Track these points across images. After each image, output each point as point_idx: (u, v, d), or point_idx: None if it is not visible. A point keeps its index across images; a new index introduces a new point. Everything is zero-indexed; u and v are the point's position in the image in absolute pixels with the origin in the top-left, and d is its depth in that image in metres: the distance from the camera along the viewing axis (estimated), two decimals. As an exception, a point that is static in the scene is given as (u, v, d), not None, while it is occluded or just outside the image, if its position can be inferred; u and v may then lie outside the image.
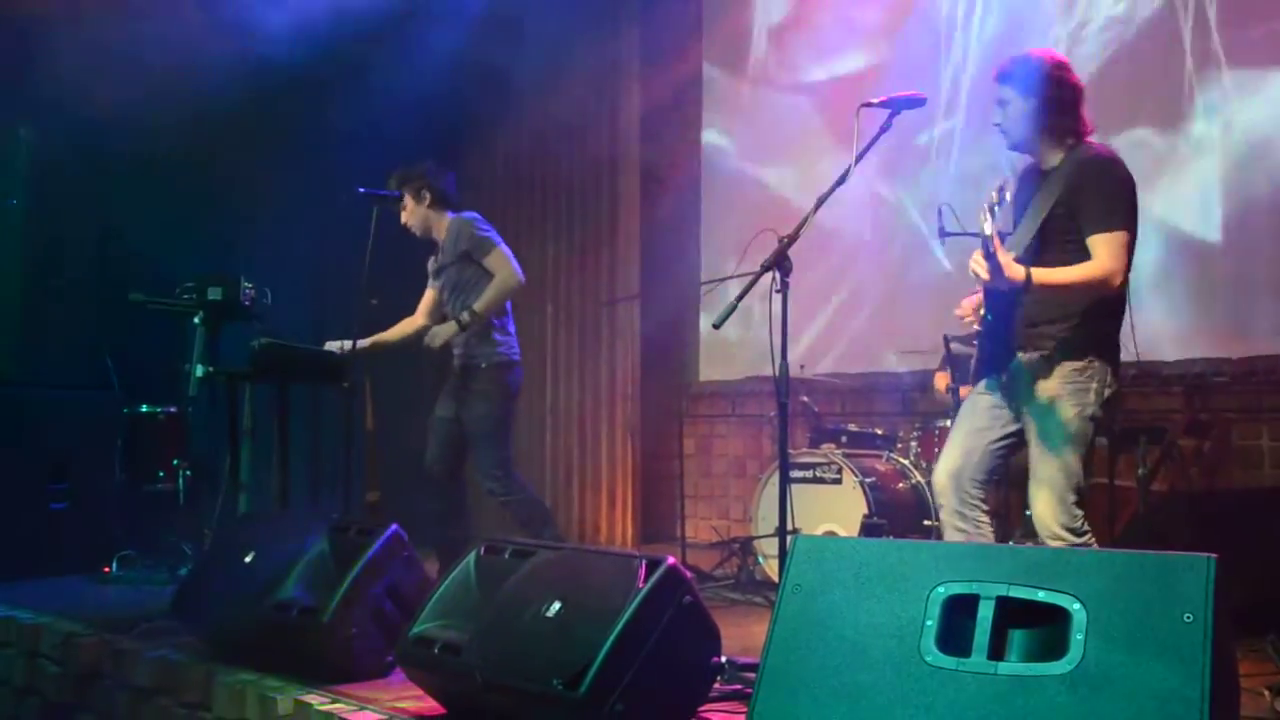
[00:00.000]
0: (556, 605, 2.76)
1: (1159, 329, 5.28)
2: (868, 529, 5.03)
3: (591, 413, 7.63)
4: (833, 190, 3.41)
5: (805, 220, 3.36)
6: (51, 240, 6.26)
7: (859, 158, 3.38)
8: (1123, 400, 5.03)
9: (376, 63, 6.64)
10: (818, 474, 5.38)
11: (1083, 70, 3.73)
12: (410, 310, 5.25)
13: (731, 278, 3.88)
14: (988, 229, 3.05)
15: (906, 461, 5.46)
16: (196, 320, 5.06)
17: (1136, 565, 2.04)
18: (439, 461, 4.92)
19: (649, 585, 2.65)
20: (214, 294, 5.12)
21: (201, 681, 3.54)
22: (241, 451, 5.01)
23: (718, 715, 2.91)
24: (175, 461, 5.80)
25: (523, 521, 4.86)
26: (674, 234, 7.58)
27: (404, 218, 5.04)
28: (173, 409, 5.90)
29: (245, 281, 5.20)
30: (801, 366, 5.66)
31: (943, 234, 4.03)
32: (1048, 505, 3.25)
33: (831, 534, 5.10)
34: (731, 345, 7.18)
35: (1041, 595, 2.07)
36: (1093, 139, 3.40)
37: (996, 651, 2.06)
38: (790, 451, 5.03)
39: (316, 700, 3.17)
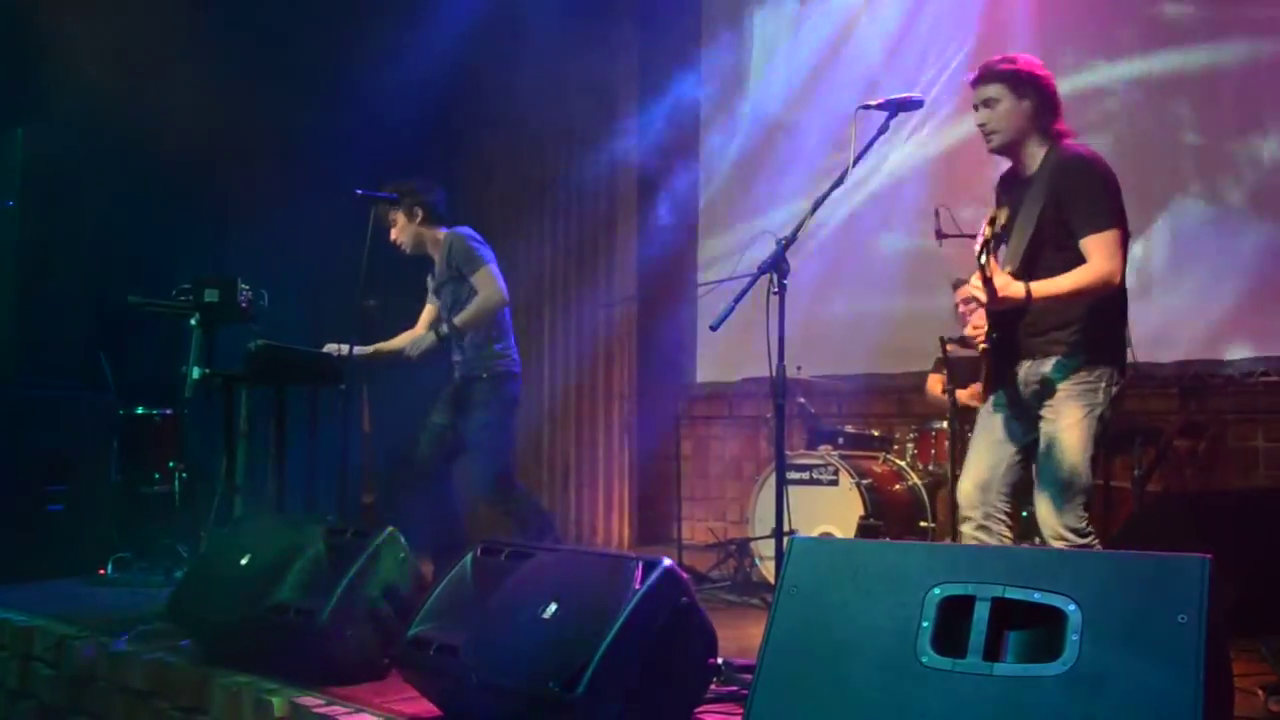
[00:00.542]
0: (553, 607, 2.76)
1: (1155, 331, 5.28)
2: (864, 530, 5.03)
3: (589, 414, 7.64)
4: (830, 192, 3.41)
5: (802, 222, 3.36)
6: (47, 242, 6.25)
7: (856, 160, 3.38)
8: (1119, 402, 5.04)
9: (375, 66, 6.63)
10: (814, 475, 5.38)
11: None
12: (407, 311, 5.24)
13: (729, 279, 3.87)
14: (983, 258, 3.05)
15: (903, 463, 5.46)
16: (193, 322, 5.04)
17: (1131, 566, 2.04)
18: (426, 462, 4.92)
19: (645, 587, 2.65)
20: (210, 296, 5.11)
21: (197, 684, 3.53)
22: (237, 454, 5.00)
23: (714, 717, 2.91)
24: (171, 464, 5.80)
25: (521, 529, 4.85)
26: (671, 236, 7.58)
27: (394, 234, 5.00)
28: (169, 411, 5.90)
29: (242, 284, 5.19)
30: (799, 368, 5.65)
31: (939, 235, 4.05)
32: (1052, 507, 3.24)
33: (828, 535, 5.10)
34: (728, 347, 7.17)
35: (1037, 596, 2.07)
36: (1068, 141, 3.40)
37: (992, 653, 2.06)
38: (787, 453, 5.01)
39: (313, 702, 3.16)
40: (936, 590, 2.17)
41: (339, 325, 5.02)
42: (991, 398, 3.47)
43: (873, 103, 3.45)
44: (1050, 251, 3.28)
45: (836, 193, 3.41)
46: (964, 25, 6.32)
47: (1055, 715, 1.94)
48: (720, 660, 2.87)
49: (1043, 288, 3.18)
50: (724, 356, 7.29)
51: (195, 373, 4.88)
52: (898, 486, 5.36)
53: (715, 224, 7.53)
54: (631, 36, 7.52)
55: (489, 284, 4.85)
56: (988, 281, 3.09)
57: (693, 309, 7.51)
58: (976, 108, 3.42)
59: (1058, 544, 3.22)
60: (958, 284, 5.27)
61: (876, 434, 5.79)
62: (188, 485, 5.70)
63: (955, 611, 2.13)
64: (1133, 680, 1.91)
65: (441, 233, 5.00)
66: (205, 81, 6.19)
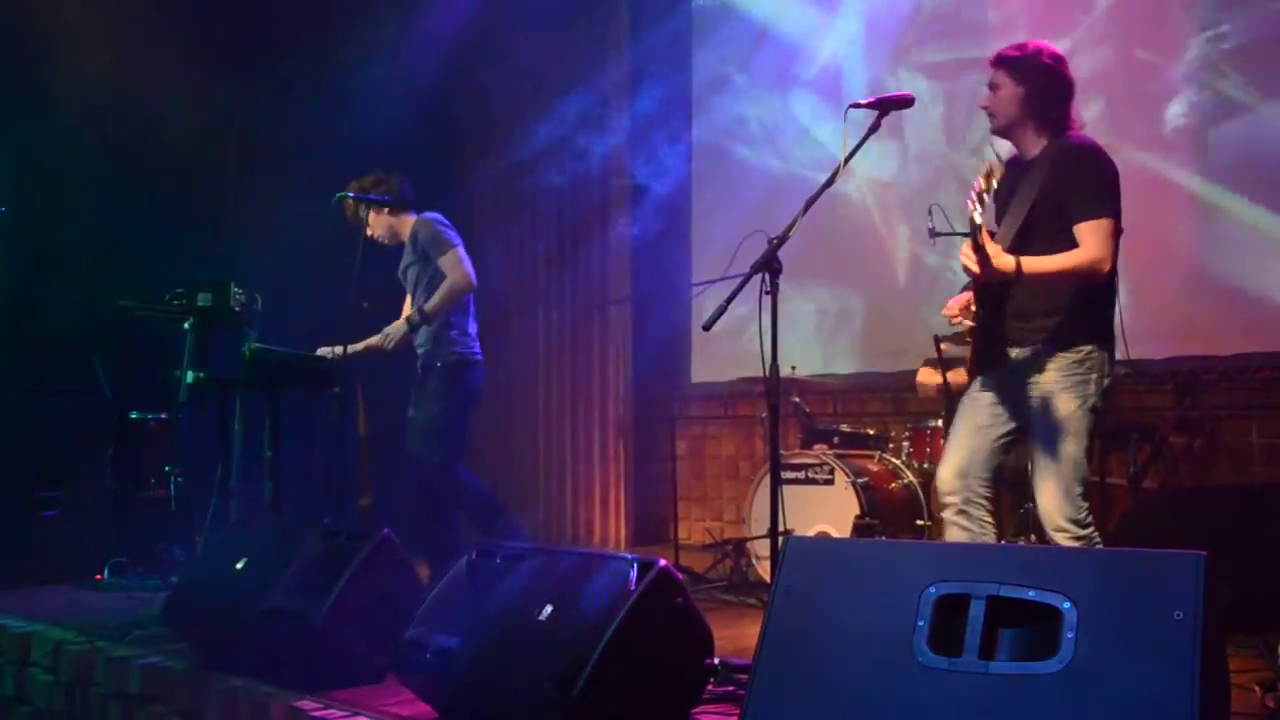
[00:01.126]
0: (549, 609, 2.76)
1: (1149, 327, 5.29)
2: (860, 529, 5.03)
3: (584, 415, 7.63)
4: (821, 191, 3.41)
5: (794, 221, 3.36)
6: (40, 247, 6.24)
7: (847, 158, 3.38)
8: (1113, 398, 5.05)
9: (367, 68, 6.63)
10: (810, 475, 5.38)
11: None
12: (401, 312, 5.24)
13: (722, 279, 3.87)
14: (977, 217, 3.06)
15: (899, 461, 5.46)
16: (186, 326, 5.04)
17: (1127, 563, 2.04)
18: (417, 458, 4.92)
19: (641, 588, 2.65)
20: (204, 300, 5.10)
21: (194, 689, 3.53)
22: (232, 457, 5.00)
23: (711, 717, 2.91)
24: (166, 468, 5.79)
25: (474, 519, 4.84)
26: (665, 236, 7.58)
27: (369, 230, 5.02)
28: (163, 415, 5.89)
29: (235, 287, 5.18)
30: (793, 367, 5.66)
31: (933, 234, 4.04)
32: (1053, 499, 3.25)
33: (824, 535, 5.10)
34: (723, 347, 7.18)
35: (1032, 594, 2.07)
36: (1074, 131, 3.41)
37: (988, 651, 2.06)
38: (782, 452, 5.01)
39: (309, 706, 3.16)
40: (932, 589, 2.17)
41: (333, 328, 5.02)
42: (976, 382, 3.48)
43: (863, 101, 3.46)
44: (1042, 236, 3.28)
45: (828, 191, 3.41)
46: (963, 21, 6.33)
47: (1051, 713, 1.94)
48: (717, 660, 2.88)
49: (1032, 263, 3.19)
50: (718, 356, 7.29)
51: (189, 377, 4.87)
52: (893, 485, 5.36)
53: (708, 223, 7.53)
54: (622, 36, 7.52)
55: (456, 268, 4.84)
56: (979, 249, 3.09)
57: (686, 309, 7.51)
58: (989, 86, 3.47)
59: (1059, 536, 3.23)
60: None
61: (871, 433, 5.79)
62: (183, 489, 5.69)
63: (951, 610, 2.13)
64: (1129, 678, 1.91)
65: (411, 218, 5.01)
66: (197, 86, 6.18)
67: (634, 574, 2.68)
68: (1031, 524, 4.46)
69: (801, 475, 5.39)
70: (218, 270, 5.47)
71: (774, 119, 7.19)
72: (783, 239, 3.36)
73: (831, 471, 5.30)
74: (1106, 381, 3.31)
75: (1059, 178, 3.28)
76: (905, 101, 3.48)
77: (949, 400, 4.77)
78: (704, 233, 7.55)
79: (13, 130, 6.07)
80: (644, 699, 2.63)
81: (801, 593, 2.32)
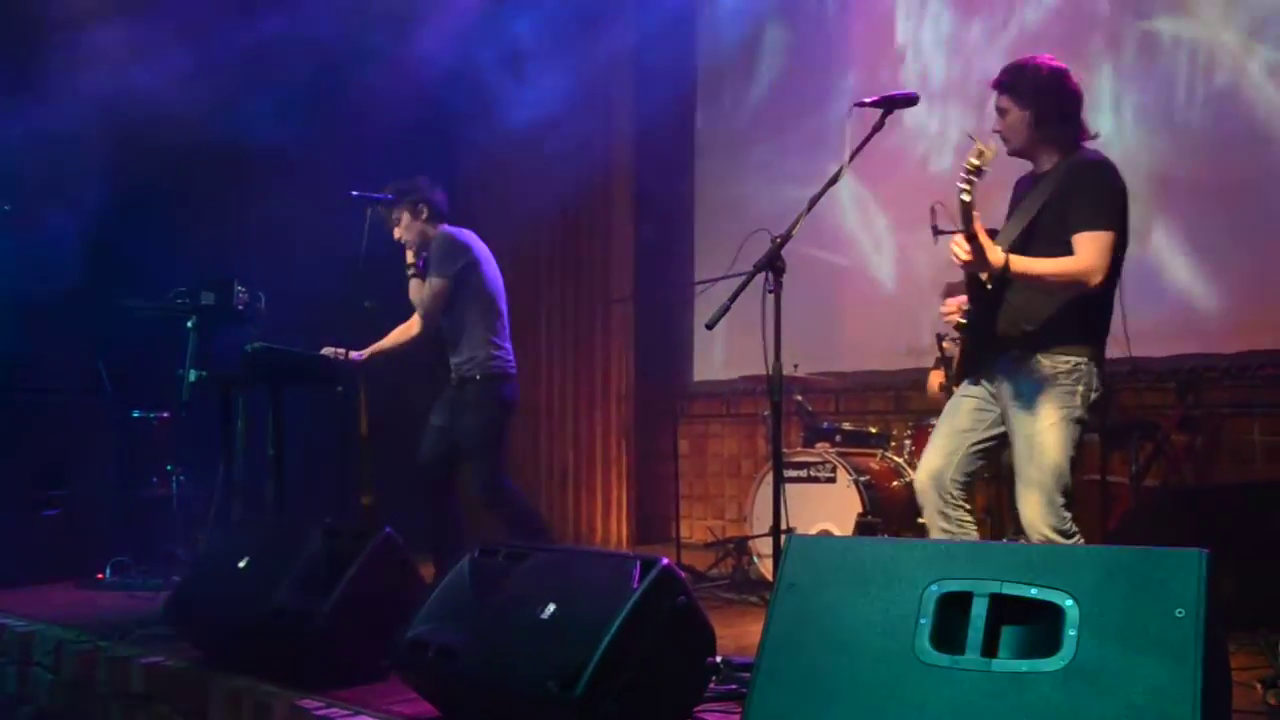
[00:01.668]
0: (551, 607, 2.76)
1: (1151, 325, 5.29)
2: (862, 527, 5.03)
3: (586, 413, 7.64)
4: (825, 190, 3.41)
5: (798, 220, 3.36)
6: (44, 245, 6.24)
7: (852, 157, 3.39)
8: (1115, 397, 5.04)
9: (371, 70, 6.63)
10: (812, 473, 5.38)
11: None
12: (404, 313, 5.24)
13: (725, 277, 3.87)
14: (966, 196, 3.03)
15: (901, 460, 5.46)
16: (189, 325, 5.04)
17: (1129, 561, 2.04)
18: (430, 466, 4.94)
19: (643, 586, 2.65)
20: (207, 298, 5.12)
21: (197, 688, 3.53)
22: (235, 456, 5.00)
23: (713, 715, 2.91)
24: (169, 467, 5.80)
25: (514, 532, 4.86)
26: (668, 234, 7.58)
27: (398, 233, 5.02)
28: (166, 414, 5.89)
29: (238, 285, 5.19)
30: (795, 366, 5.65)
31: (935, 232, 4.04)
32: (1035, 508, 3.24)
33: (826, 533, 5.11)
34: (725, 345, 7.18)
35: (1034, 592, 2.07)
36: (1088, 144, 3.39)
37: (990, 649, 2.06)
38: (785, 451, 5.01)
39: (312, 705, 3.16)
40: (934, 587, 2.17)
41: (336, 327, 5.02)
42: (964, 384, 3.47)
43: (867, 100, 3.45)
44: (1041, 243, 3.28)
45: (832, 190, 3.41)
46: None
47: (1054, 711, 1.94)
48: (719, 659, 2.87)
49: (1022, 262, 3.18)
50: (721, 355, 7.30)
51: (192, 375, 4.89)
52: (895, 483, 5.36)
53: (711, 222, 7.53)
54: (629, 34, 7.51)
55: (429, 294, 4.89)
56: (972, 239, 3.08)
57: (689, 308, 7.51)
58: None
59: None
60: (948, 291, 5.26)
61: (874, 431, 5.79)
62: (185, 488, 5.70)
63: (953, 608, 2.13)
64: (1131, 675, 1.91)
65: (442, 230, 5.03)
66: (201, 84, 6.18)
67: (636, 572, 2.69)
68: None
69: (804, 474, 5.40)
70: (221, 268, 5.47)
71: (779, 116, 7.18)
72: (786, 237, 3.36)
73: (834, 470, 5.30)
74: (1094, 396, 3.28)
75: (1065, 190, 3.27)
76: (910, 100, 3.48)
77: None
78: (706, 231, 7.55)
79: (14, 127, 6.07)
80: (646, 697, 2.63)
81: (804, 591, 2.33)
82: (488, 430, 4.87)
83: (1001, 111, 3.40)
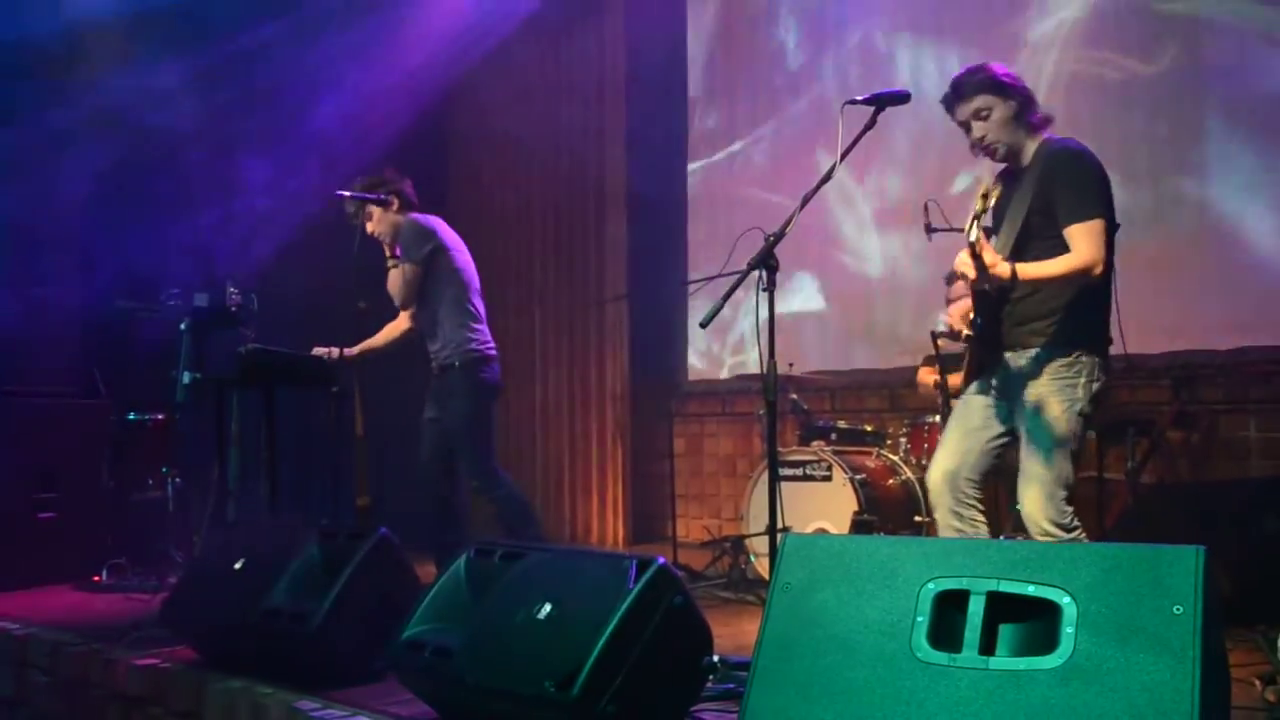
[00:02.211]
0: (548, 607, 2.76)
1: (1147, 321, 5.29)
2: (858, 526, 5.03)
3: (581, 413, 7.63)
4: (818, 188, 3.42)
5: (791, 218, 3.36)
6: (36, 248, 6.23)
7: (844, 155, 3.38)
8: (1111, 393, 5.04)
9: (364, 70, 6.62)
10: (808, 471, 5.38)
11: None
12: (397, 312, 5.24)
13: (719, 276, 3.87)
14: (973, 236, 3.07)
15: (896, 458, 5.46)
16: (183, 327, 5.03)
17: (1126, 558, 2.04)
18: (430, 463, 4.93)
19: (640, 586, 2.64)
20: (200, 300, 5.11)
21: (193, 690, 3.52)
22: (230, 458, 4.99)
23: (710, 715, 2.91)
24: (164, 469, 5.78)
25: (504, 518, 4.85)
26: (661, 234, 7.58)
27: (370, 227, 4.99)
28: (160, 416, 5.88)
29: (231, 287, 5.18)
30: (790, 364, 5.66)
31: (929, 230, 4.04)
32: (1037, 502, 3.25)
33: (822, 531, 5.10)
34: (720, 344, 7.18)
35: (1031, 590, 2.07)
36: (1054, 133, 3.42)
37: (987, 646, 2.06)
38: (780, 449, 5.02)
39: (308, 706, 3.16)
40: (931, 585, 2.17)
41: (330, 327, 5.01)
42: (971, 386, 3.48)
43: (859, 98, 3.45)
44: (1037, 243, 3.31)
45: (825, 188, 3.41)
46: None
47: (1051, 708, 1.94)
48: (716, 658, 2.87)
49: (1028, 269, 3.21)
50: (716, 354, 7.30)
51: (186, 377, 4.88)
52: (891, 481, 5.36)
53: (704, 221, 7.53)
54: (619, 34, 7.51)
55: (400, 281, 4.87)
56: (977, 258, 3.10)
57: (683, 307, 7.51)
58: (966, 124, 3.42)
59: (1043, 539, 3.23)
60: (951, 278, 5.27)
61: (869, 429, 5.79)
62: (181, 490, 5.69)
63: (950, 606, 2.13)
64: (1129, 672, 1.91)
65: (411, 219, 5.01)
66: (194, 84, 6.17)
67: (632, 572, 2.68)
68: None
69: (799, 472, 5.39)
70: (213, 270, 5.47)
71: (771, 114, 7.18)
72: (779, 235, 3.36)
73: (829, 468, 5.29)
74: (1096, 386, 3.31)
75: (1048, 184, 3.30)
76: (902, 98, 3.48)
77: (947, 397, 4.77)
78: (700, 230, 7.55)
79: (9, 129, 6.06)
80: (643, 697, 2.63)
81: (800, 590, 2.32)
82: (473, 414, 4.86)
83: (982, 113, 3.39)
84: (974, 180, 3.19)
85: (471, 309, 4.95)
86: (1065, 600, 2.02)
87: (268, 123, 6.57)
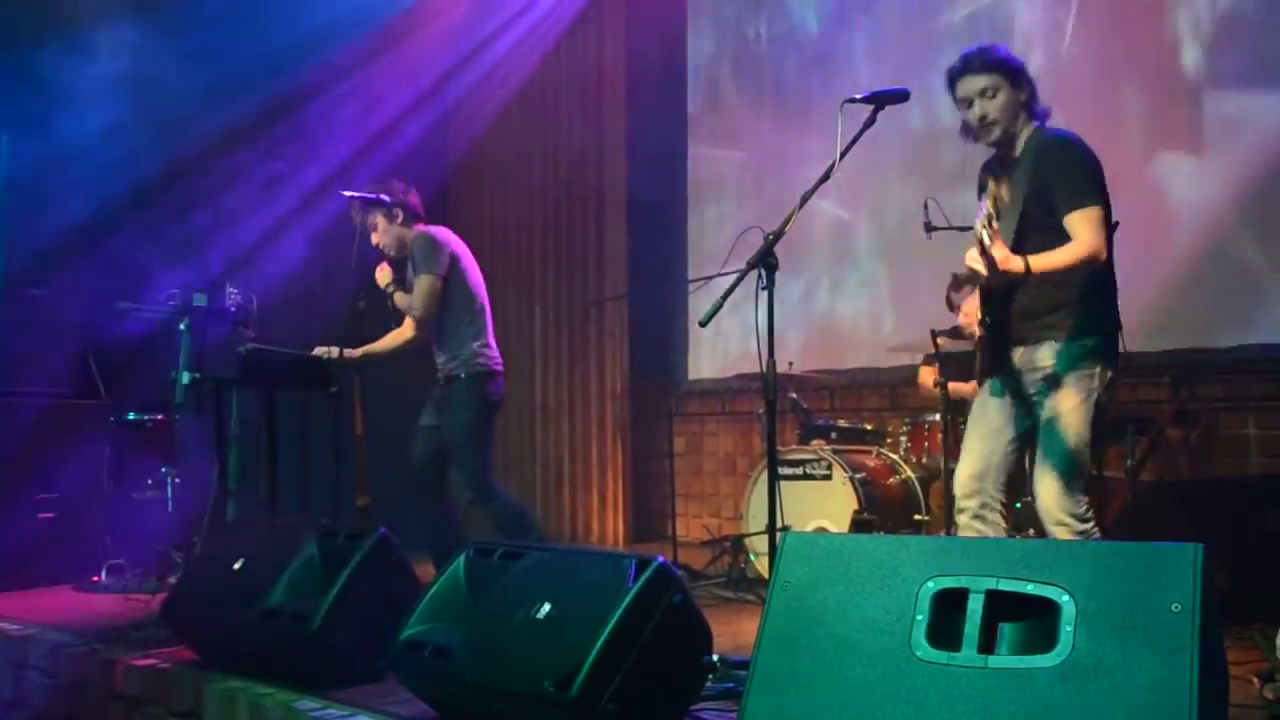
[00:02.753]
0: (547, 607, 2.76)
1: (1146, 319, 5.29)
2: (858, 524, 5.03)
3: (581, 412, 7.63)
4: (817, 186, 3.41)
5: (790, 217, 3.35)
6: (35, 248, 6.23)
7: (843, 154, 3.37)
8: (1111, 390, 5.04)
9: (365, 72, 6.63)
10: (808, 470, 5.38)
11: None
12: (398, 313, 5.24)
13: (718, 275, 3.87)
14: (986, 239, 3.06)
15: (896, 456, 5.46)
16: (182, 327, 5.03)
17: (1125, 556, 2.04)
18: (423, 467, 4.92)
19: (639, 585, 2.65)
20: (199, 300, 5.10)
21: (192, 690, 3.52)
22: (230, 458, 4.99)
23: (710, 714, 2.91)
24: (163, 469, 5.78)
25: (502, 528, 4.85)
26: (661, 232, 7.58)
27: (375, 238, 4.97)
28: (159, 416, 5.88)
29: (230, 287, 5.18)
30: (790, 363, 5.66)
31: (928, 228, 4.03)
32: (1052, 493, 3.24)
33: (822, 530, 5.10)
34: (720, 343, 7.18)
35: (1030, 588, 2.07)
36: (1049, 122, 3.41)
37: (987, 645, 2.06)
38: (780, 448, 5.02)
39: (308, 706, 3.16)
40: (930, 584, 2.17)
41: (330, 327, 5.01)
42: (986, 386, 3.47)
43: (858, 96, 3.44)
44: (1036, 234, 3.29)
45: (824, 187, 3.40)
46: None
47: (1051, 706, 1.94)
48: (715, 657, 2.87)
49: (1040, 261, 3.18)
50: (715, 353, 7.29)
51: (185, 378, 4.87)
52: (891, 480, 5.36)
53: (704, 219, 7.53)
54: (619, 35, 7.51)
55: (420, 293, 4.84)
56: (986, 255, 3.09)
57: (683, 306, 7.51)
58: (969, 101, 3.39)
59: (1058, 530, 3.22)
60: (958, 282, 5.26)
61: (869, 428, 5.79)
62: (180, 490, 5.68)
63: (949, 604, 2.13)
64: (1128, 670, 1.91)
65: (419, 231, 5.00)
66: (192, 84, 6.17)
67: (632, 571, 2.68)
68: (1029, 519, 4.45)
69: (799, 471, 5.39)
70: (213, 270, 5.47)
71: (770, 114, 7.18)
72: (779, 234, 3.36)
73: (829, 467, 5.29)
74: (1110, 373, 3.31)
75: (1044, 174, 3.28)
76: (901, 96, 3.47)
77: (947, 396, 4.76)
78: (700, 228, 7.55)
79: (8, 130, 6.05)
80: (643, 696, 2.63)
81: (800, 588, 2.32)
82: (474, 427, 4.85)
83: (990, 92, 3.34)
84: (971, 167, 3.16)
85: (481, 322, 4.95)
86: (1064, 598, 2.02)
87: (268, 121, 6.57)
